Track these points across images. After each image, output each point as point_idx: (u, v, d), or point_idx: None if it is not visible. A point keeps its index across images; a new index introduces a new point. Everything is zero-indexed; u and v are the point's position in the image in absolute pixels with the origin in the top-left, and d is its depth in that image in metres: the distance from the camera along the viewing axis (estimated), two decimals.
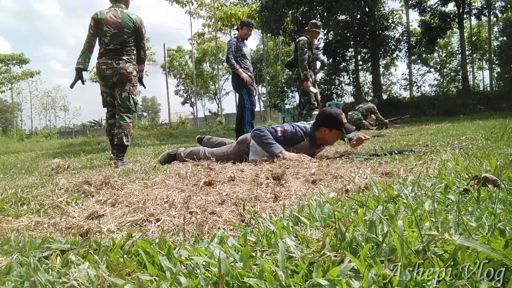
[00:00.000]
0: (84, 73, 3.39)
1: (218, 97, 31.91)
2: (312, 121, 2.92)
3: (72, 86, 3.38)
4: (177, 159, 3.11)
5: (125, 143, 3.37)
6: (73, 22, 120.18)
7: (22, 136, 19.73)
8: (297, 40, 5.81)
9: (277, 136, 2.73)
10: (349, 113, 9.35)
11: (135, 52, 3.54)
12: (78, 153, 5.58)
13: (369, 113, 9.14)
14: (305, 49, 5.49)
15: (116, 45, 3.39)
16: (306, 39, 5.61)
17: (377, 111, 9.16)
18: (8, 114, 40.31)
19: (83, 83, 3.44)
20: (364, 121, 8.89)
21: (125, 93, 3.40)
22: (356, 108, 9.47)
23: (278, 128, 2.77)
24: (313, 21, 5.92)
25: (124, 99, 3.40)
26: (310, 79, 5.55)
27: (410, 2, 16.93)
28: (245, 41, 5.58)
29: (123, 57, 3.42)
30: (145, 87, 3.93)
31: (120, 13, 3.43)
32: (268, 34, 18.39)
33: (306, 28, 5.81)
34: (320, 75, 6.35)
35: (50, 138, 19.15)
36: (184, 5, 22.76)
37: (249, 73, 5.46)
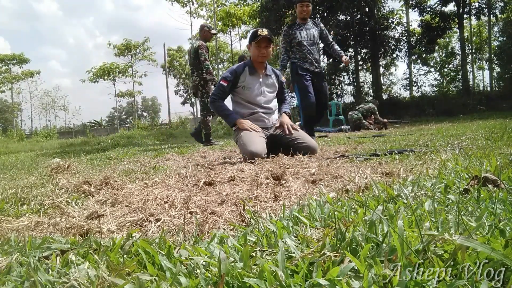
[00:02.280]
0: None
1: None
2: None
3: None
4: None
5: (203, 131, 5.60)
6: (73, 22, 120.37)
7: (22, 136, 19.73)
8: None
9: (226, 88, 2.96)
10: (350, 112, 9.38)
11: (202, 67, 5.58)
12: (78, 153, 5.57)
13: (370, 113, 9.15)
14: None
15: (190, 66, 5.73)
16: None
17: (377, 112, 9.18)
18: (8, 114, 40.31)
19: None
20: (364, 121, 8.91)
21: (199, 99, 5.75)
22: (357, 108, 9.49)
23: (224, 84, 2.96)
24: None
25: (200, 102, 5.76)
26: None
27: (410, 2, 16.93)
28: (308, 23, 4.50)
29: (194, 74, 5.61)
30: None
31: (191, 45, 5.71)
32: None
33: None
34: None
35: (50, 138, 19.16)
36: (184, 5, 22.75)
37: (305, 65, 4.45)
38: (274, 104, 3.15)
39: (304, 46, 4.44)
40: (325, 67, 17.27)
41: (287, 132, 2.92)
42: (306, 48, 4.45)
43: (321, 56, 4.94)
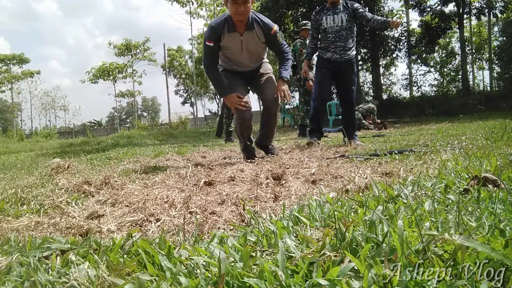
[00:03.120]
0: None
1: (218, 97, 31.88)
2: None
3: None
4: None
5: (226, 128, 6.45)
6: (73, 22, 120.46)
7: (22, 136, 19.74)
8: (293, 43, 6.03)
9: (214, 48, 2.82)
10: None
11: None
12: (78, 153, 5.57)
13: (369, 113, 9.17)
14: (303, 50, 5.61)
15: None
16: (301, 40, 5.90)
17: (375, 113, 9.22)
18: (8, 114, 40.29)
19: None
20: (364, 121, 8.91)
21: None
22: (357, 108, 9.49)
23: (210, 44, 2.80)
24: (302, 22, 6.10)
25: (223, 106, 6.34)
26: (312, 79, 4.78)
27: (410, 2, 16.95)
28: (338, 6, 3.91)
29: None
30: None
31: None
32: None
33: (297, 29, 5.99)
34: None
35: (50, 138, 19.15)
36: (184, 5, 22.73)
37: (327, 55, 3.96)
38: (262, 57, 3.06)
39: (329, 33, 3.92)
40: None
41: (282, 99, 2.94)
42: (331, 36, 3.92)
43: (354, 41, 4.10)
